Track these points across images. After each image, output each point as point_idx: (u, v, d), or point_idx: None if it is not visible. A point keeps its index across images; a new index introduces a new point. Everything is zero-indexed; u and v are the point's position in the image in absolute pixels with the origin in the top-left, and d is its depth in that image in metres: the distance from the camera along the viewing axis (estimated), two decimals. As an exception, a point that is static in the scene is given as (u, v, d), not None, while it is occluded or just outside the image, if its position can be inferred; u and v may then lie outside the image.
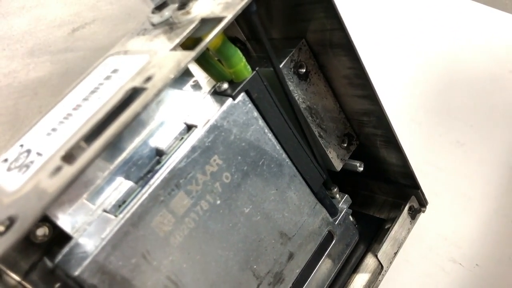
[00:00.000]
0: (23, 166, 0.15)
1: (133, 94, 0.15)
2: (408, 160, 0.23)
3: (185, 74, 0.20)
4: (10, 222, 0.13)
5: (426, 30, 0.41)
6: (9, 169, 0.16)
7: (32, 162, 0.15)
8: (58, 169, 0.13)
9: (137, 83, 0.15)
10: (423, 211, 0.25)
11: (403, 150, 0.23)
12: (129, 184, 0.17)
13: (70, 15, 0.53)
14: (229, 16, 0.16)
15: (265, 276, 0.21)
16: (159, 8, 0.19)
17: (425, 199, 0.25)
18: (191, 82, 0.20)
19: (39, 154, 0.15)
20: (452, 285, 0.26)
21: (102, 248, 0.16)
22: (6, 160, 0.16)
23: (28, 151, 0.16)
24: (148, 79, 0.15)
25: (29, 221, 0.12)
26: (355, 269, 0.25)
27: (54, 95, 0.45)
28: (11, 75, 0.49)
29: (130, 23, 0.50)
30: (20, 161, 0.15)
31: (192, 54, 0.15)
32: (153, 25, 0.19)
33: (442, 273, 0.26)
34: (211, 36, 0.15)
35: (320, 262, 0.24)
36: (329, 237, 0.24)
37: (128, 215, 0.16)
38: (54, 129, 0.16)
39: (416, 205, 0.25)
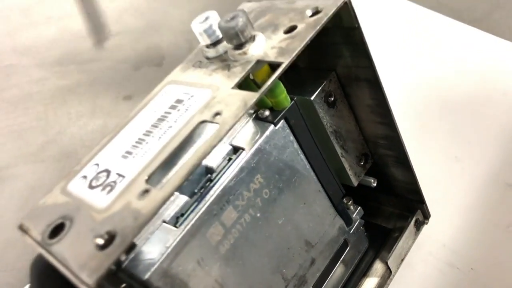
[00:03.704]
0: (106, 186, 0.16)
1: (202, 126, 0.16)
2: (417, 179, 0.25)
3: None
4: (110, 237, 0.14)
5: (427, 54, 0.43)
6: (91, 187, 0.17)
7: (114, 182, 0.16)
8: (146, 192, 0.15)
9: (206, 117, 0.17)
10: (426, 223, 0.27)
11: (413, 169, 0.25)
12: (184, 198, 0.19)
13: (95, 26, 0.54)
14: (285, 62, 0.17)
15: (291, 279, 0.23)
16: (214, 44, 0.20)
17: (428, 212, 0.27)
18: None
19: (120, 175, 0.17)
20: (449, 286, 0.28)
21: (167, 255, 0.17)
22: (85, 177, 0.18)
23: (107, 171, 0.17)
24: (217, 114, 0.16)
25: (130, 238, 0.14)
26: (364, 273, 0.26)
27: (83, 103, 0.46)
28: (41, 83, 0.49)
29: (153, 37, 0.52)
30: (101, 180, 0.17)
31: (256, 95, 0.17)
32: (208, 59, 0.21)
33: (441, 275, 0.28)
34: (271, 80, 0.17)
35: (336, 266, 0.25)
36: (345, 244, 0.25)
37: (188, 227, 0.18)
38: (129, 152, 0.17)
39: (421, 218, 0.27)
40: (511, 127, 0.35)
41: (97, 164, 0.18)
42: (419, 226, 0.27)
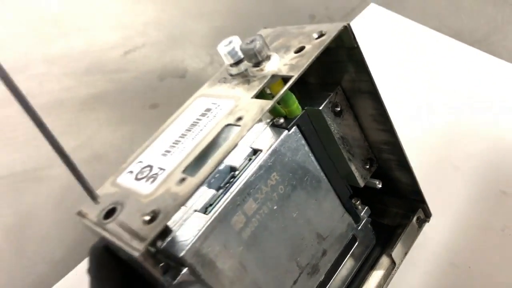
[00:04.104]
0: (149, 177, 0.21)
1: (227, 129, 0.21)
2: (417, 180, 0.29)
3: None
4: (154, 214, 0.18)
5: (428, 70, 0.47)
6: (137, 179, 0.22)
7: (156, 174, 0.21)
8: (183, 180, 0.19)
9: (230, 121, 0.21)
10: (428, 221, 0.31)
11: (413, 171, 0.29)
12: (212, 191, 0.23)
13: (121, 38, 0.60)
14: (295, 75, 0.21)
15: (305, 267, 0.26)
16: (236, 63, 0.25)
17: (429, 211, 0.30)
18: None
19: (161, 169, 0.21)
20: (449, 282, 0.31)
21: (199, 237, 0.21)
22: (131, 172, 0.22)
23: (150, 166, 0.22)
24: (239, 119, 0.21)
25: (171, 214, 0.18)
26: (372, 267, 0.30)
27: (112, 110, 0.51)
28: (72, 90, 0.55)
29: (176, 50, 0.57)
30: (145, 173, 0.21)
31: (271, 102, 0.21)
32: (231, 75, 0.25)
33: (441, 272, 0.32)
34: (284, 90, 0.21)
35: (345, 259, 0.29)
36: (353, 239, 0.29)
37: (216, 214, 0.22)
38: (167, 151, 0.22)
39: (422, 216, 0.30)
40: (504, 140, 0.39)
41: (141, 162, 0.23)
42: (420, 223, 0.30)
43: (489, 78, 0.44)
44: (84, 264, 0.39)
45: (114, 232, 0.19)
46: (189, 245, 0.21)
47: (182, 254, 0.21)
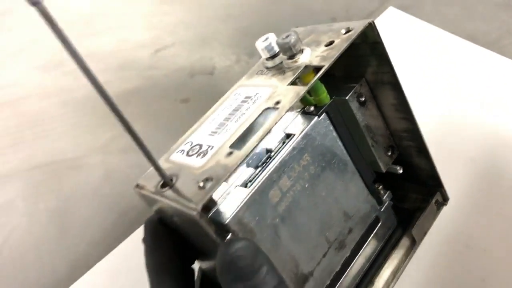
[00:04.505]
0: (200, 153, 0.25)
1: (266, 112, 0.25)
2: (435, 165, 0.32)
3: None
4: (207, 180, 0.22)
5: (443, 70, 0.51)
6: (188, 155, 0.25)
7: (206, 150, 0.25)
8: (230, 153, 0.23)
9: (269, 105, 0.25)
10: (445, 205, 0.34)
11: (431, 157, 0.32)
12: (251, 170, 0.27)
13: (151, 38, 0.64)
14: (326, 65, 0.25)
15: (333, 242, 0.30)
16: (272, 57, 0.29)
17: (447, 195, 0.34)
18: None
19: (210, 146, 0.25)
20: (464, 263, 0.34)
21: (241, 207, 0.25)
22: (182, 151, 0.26)
23: (200, 145, 0.26)
24: (277, 103, 0.25)
25: (222, 179, 0.22)
26: (393, 246, 0.33)
27: (145, 104, 0.55)
28: (105, 85, 0.59)
29: (205, 49, 0.61)
30: (195, 150, 0.25)
31: (306, 88, 0.25)
32: (267, 68, 0.29)
33: (458, 254, 0.35)
34: (316, 78, 0.25)
35: (369, 239, 0.33)
36: (376, 220, 0.33)
37: (256, 188, 0.26)
38: (214, 132, 0.26)
39: (440, 199, 0.34)
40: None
41: (191, 142, 0.27)
42: (439, 206, 0.34)
43: (502, 78, 0.48)
44: (123, 246, 0.43)
45: (171, 198, 0.23)
46: (233, 214, 0.25)
47: (227, 221, 0.25)
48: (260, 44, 0.29)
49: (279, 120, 0.24)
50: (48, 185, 0.49)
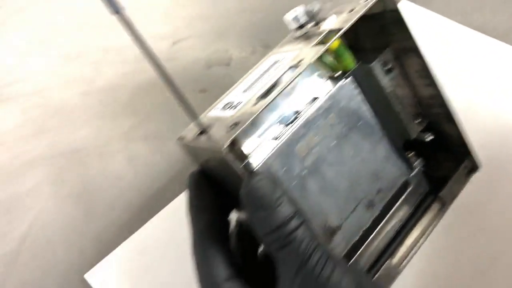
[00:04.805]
0: (231, 107, 0.36)
1: (291, 70, 0.35)
2: (465, 132, 0.42)
3: (312, 69, 0.40)
4: (235, 123, 0.32)
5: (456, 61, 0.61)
6: (222, 109, 0.36)
7: (237, 104, 0.35)
8: (256, 103, 0.34)
9: (293, 63, 0.35)
10: (475, 172, 0.44)
11: (460, 124, 0.41)
12: (281, 127, 0.37)
13: (169, 30, 0.77)
14: (346, 26, 0.36)
15: (361, 199, 0.40)
16: (300, 27, 0.39)
17: (476, 163, 0.44)
18: (316, 72, 0.40)
19: (240, 102, 0.36)
20: (493, 228, 0.43)
21: (269, 156, 0.35)
22: (217, 108, 0.37)
23: (231, 102, 0.36)
24: (300, 61, 0.35)
25: (247, 122, 0.31)
26: (423, 211, 0.43)
27: (164, 94, 0.67)
28: (126, 76, 0.72)
29: (221, 41, 0.73)
30: (228, 106, 0.36)
31: (326, 46, 0.35)
32: (296, 38, 0.40)
33: (487, 219, 0.44)
34: (336, 36, 0.35)
35: (398, 203, 0.42)
36: (406, 184, 0.42)
37: (283, 140, 0.36)
38: (245, 90, 0.37)
39: (469, 166, 0.43)
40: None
41: (225, 101, 0.38)
42: (468, 173, 0.44)
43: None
44: (149, 225, 0.54)
45: (205, 142, 0.34)
46: (262, 162, 0.35)
47: (255, 168, 0.35)
48: (288, 16, 0.40)
49: (300, 73, 0.34)
50: (73, 170, 0.61)
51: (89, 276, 0.52)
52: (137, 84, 0.71)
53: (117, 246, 0.54)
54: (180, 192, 0.57)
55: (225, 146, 0.31)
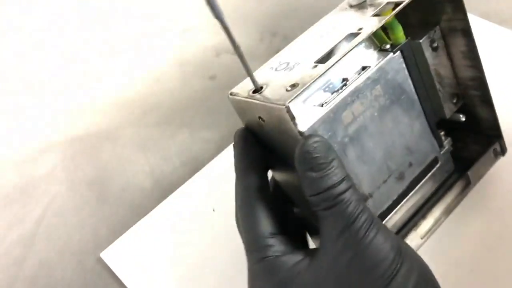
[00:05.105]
0: (287, 68, 0.37)
1: (350, 36, 0.36)
2: (497, 116, 0.43)
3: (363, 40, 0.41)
4: (293, 86, 0.34)
5: None
6: (277, 70, 0.37)
7: (293, 65, 0.36)
8: (315, 66, 0.35)
9: (353, 30, 0.36)
10: (503, 155, 0.45)
11: (495, 107, 0.43)
12: (328, 94, 0.39)
13: (178, 20, 0.79)
14: (405, 1, 0.37)
15: (393, 171, 0.41)
16: (357, -4, 0.40)
17: (505, 147, 0.45)
18: (366, 43, 0.41)
19: (296, 63, 0.37)
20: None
21: (317, 121, 0.37)
22: (271, 68, 0.38)
23: (287, 62, 0.37)
24: (360, 29, 0.36)
25: (306, 85, 0.33)
26: (449, 187, 0.45)
27: (174, 81, 0.69)
28: (140, 65, 0.74)
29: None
30: (283, 66, 0.37)
31: (386, 17, 0.36)
32: (351, 6, 0.40)
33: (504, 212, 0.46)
34: (398, 9, 0.36)
35: (426, 177, 0.44)
36: (435, 161, 0.44)
37: (330, 107, 0.37)
38: (301, 51, 0.38)
39: (498, 149, 0.45)
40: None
41: (279, 61, 0.39)
42: (496, 154, 0.45)
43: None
44: (161, 206, 0.56)
45: (263, 99, 0.35)
46: (310, 126, 0.36)
47: (304, 130, 0.36)
48: (345, -16, 0.40)
49: (361, 40, 0.35)
50: (86, 155, 0.64)
51: (104, 255, 0.54)
52: (149, 71, 0.73)
53: (130, 228, 0.56)
54: (190, 176, 0.59)
55: (287, 104, 0.33)
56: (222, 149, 0.60)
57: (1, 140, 0.68)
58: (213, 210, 0.54)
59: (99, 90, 0.71)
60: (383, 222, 0.42)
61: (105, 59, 0.75)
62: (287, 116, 0.33)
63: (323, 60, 0.36)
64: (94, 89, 0.71)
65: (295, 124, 0.34)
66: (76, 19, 0.82)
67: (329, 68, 0.34)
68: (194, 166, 0.57)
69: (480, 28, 0.64)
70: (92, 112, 0.69)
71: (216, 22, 0.33)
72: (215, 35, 0.75)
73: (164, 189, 0.59)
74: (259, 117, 0.37)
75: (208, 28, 0.77)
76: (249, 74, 0.36)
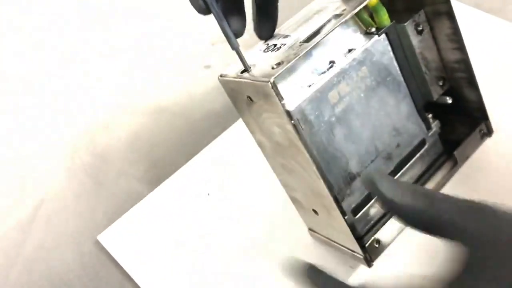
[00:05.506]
0: (274, 49, 0.38)
1: (334, 17, 0.37)
2: (482, 98, 0.44)
3: (348, 23, 0.42)
4: (278, 64, 0.35)
5: None
6: (264, 52, 0.39)
7: (280, 47, 0.38)
8: (300, 45, 0.36)
9: (337, 12, 0.38)
10: (489, 136, 0.46)
11: (480, 89, 0.44)
12: (316, 76, 0.40)
13: (173, 11, 0.79)
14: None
15: (381, 151, 0.42)
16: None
17: (491, 128, 0.46)
18: (352, 27, 0.42)
19: (283, 44, 0.38)
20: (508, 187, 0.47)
21: (304, 101, 0.38)
22: (260, 50, 0.39)
23: (274, 44, 0.39)
24: (343, 10, 0.37)
25: (291, 62, 0.34)
26: (437, 169, 0.46)
27: (171, 69, 0.70)
28: (136, 57, 0.76)
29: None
30: (271, 48, 0.38)
31: (367, 0, 0.37)
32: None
33: (501, 180, 0.47)
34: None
35: (414, 158, 0.45)
36: (423, 142, 0.45)
37: (317, 87, 0.38)
38: (287, 35, 0.39)
39: (485, 130, 0.46)
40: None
41: (267, 43, 0.40)
42: (483, 135, 0.46)
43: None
44: (157, 190, 0.59)
45: (249, 78, 0.36)
46: (297, 105, 0.38)
47: (291, 109, 0.38)
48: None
49: (343, 20, 0.36)
50: (82, 143, 0.65)
51: (102, 238, 0.55)
52: (147, 62, 0.75)
53: (126, 212, 0.57)
54: (185, 162, 0.60)
55: (272, 80, 0.34)
56: (217, 136, 0.61)
57: (1, 140, 0.69)
58: (208, 195, 0.55)
59: (99, 90, 0.73)
60: (371, 202, 0.43)
61: (105, 59, 0.77)
62: (272, 92, 0.35)
63: (308, 40, 0.37)
64: (94, 89, 0.73)
65: (280, 99, 0.35)
66: (76, 19, 0.84)
67: (313, 46, 0.36)
68: (188, 152, 0.58)
69: (471, 17, 0.65)
70: (92, 112, 0.71)
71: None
72: (210, 25, 0.76)
73: (158, 174, 0.60)
74: (248, 97, 0.38)
75: (203, 18, 0.78)
76: (239, 55, 0.37)
